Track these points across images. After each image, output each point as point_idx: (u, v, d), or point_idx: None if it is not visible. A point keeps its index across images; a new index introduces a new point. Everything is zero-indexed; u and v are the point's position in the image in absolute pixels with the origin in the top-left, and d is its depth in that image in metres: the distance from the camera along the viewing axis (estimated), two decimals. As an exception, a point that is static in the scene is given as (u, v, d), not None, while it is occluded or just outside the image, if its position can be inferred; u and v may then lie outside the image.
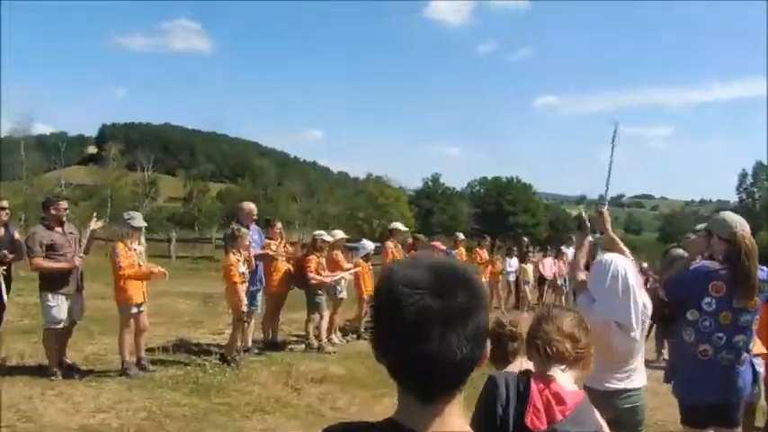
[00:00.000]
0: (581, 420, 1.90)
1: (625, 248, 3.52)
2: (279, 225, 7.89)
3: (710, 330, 3.28)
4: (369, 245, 8.70)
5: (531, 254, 13.12)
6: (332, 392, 5.76)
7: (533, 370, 2.11)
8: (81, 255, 5.85)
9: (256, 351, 7.20)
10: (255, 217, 7.45)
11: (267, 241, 7.55)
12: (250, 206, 7.43)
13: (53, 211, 5.80)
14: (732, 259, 3.28)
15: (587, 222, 3.78)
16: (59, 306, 5.70)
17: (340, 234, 8.29)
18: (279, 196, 49.65)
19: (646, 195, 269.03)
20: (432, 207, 51.54)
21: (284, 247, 7.72)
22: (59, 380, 5.62)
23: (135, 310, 6.00)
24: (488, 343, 0.99)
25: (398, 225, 9.70)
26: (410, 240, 10.40)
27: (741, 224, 3.35)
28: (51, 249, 5.66)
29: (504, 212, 57.31)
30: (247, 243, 6.62)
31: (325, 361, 7.02)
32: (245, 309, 6.55)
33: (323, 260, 7.72)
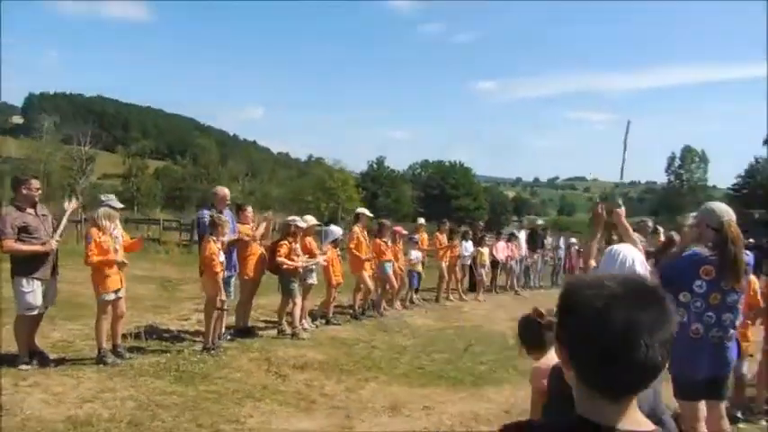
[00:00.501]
0: None
1: (636, 240, 3.76)
2: (250, 209, 7.81)
3: (701, 310, 3.58)
4: (337, 230, 8.73)
5: (486, 238, 13.44)
6: (316, 378, 5.80)
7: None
8: (57, 238, 5.63)
9: (228, 337, 7.15)
10: (229, 202, 7.35)
11: (240, 226, 7.46)
12: (224, 191, 7.32)
13: (24, 191, 5.52)
14: (720, 245, 3.57)
15: (602, 214, 4.01)
16: (35, 291, 5.47)
17: (312, 220, 8.26)
18: (221, 177, 48.52)
19: (578, 177, 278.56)
20: (376, 190, 51.64)
21: (257, 229, 7.62)
22: (32, 369, 5.44)
23: (113, 296, 5.84)
24: None
25: (364, 210, 9.74)
26: (396, 226, 10.57)
27: (728, 213, 3.64)
28: (24, 232, 5.39)
29: (446, 196, 58.17)
30: (228, 230, 6.54)
31: (301, 347, 7.04)
32: (223, 298, 6.49)
33: (296, 246, 7.71)
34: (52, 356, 5.80)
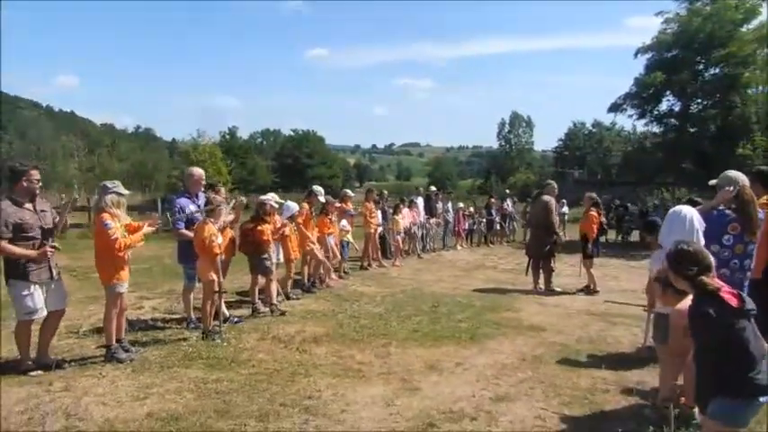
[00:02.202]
0: None
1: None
2: (223, 190, 7.59)
3: (728, 258, 4.49)
4: (293, 206, 8.74)
5: (401, 206, 14.02)
6: (338, 350, 5.98)
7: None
8: (53, 243, 5.12)
9: (236, 320, 7.07)
10: (204, 182, 7.11)
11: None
12: (200, 172, 7.07)
13: (25, 183, 4.98)
14: (739, 206, 4.46)
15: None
16: (32, 294, 5.00)
17: (276, 197, 8.22)
18: (55, 153, 43.82)
19: (413, 143, 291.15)
20: (230, 161, 49.93)
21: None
22: (43, 374, 5.04)
23: (124, 288, 5.53)
24: None
25: (318, 189, 9.80)
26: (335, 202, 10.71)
27: (743, 180, 4.53)
28: (20, 230, 4.89)
29: (301, 165, 57.99)
30: (222, 214, 6.38)
31: (290, 323, 7.12)
32: (221, 280, 6.37)
33: (269, 226, 7.67)
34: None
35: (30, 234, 5.00)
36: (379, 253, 13.01)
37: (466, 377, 5.26)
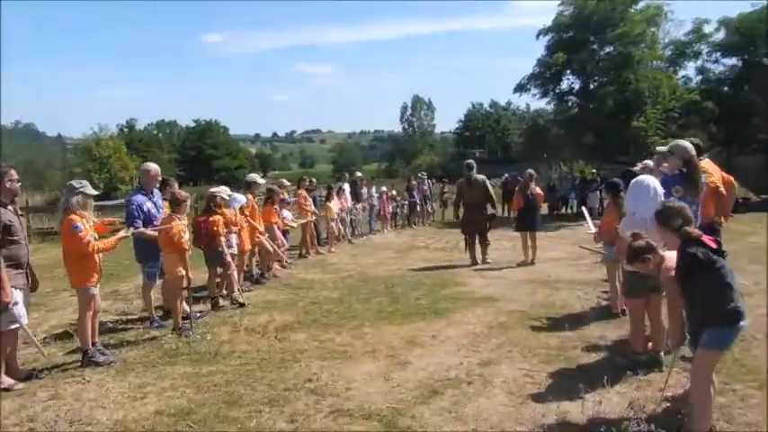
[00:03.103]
0: None
1: None
2: (176, 185, 7.43)
3: None
4: (241, 198, 8.68)
5: (333, 193, 14.14)
6: (315, 335, 6.14)
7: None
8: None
9: (198, 316, 6.94)
10: (160, 179, 6.96)
11: (165, 203, 7.10)
12: (156, 168, 6.91)
13: (7, 184, 4.78)
14: (687, 171, 5.03)
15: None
16: (18, 303, 4.82)
17: (227, 190, 8.14)
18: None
19: (315, 130, 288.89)
20: (131, 154, 47.47)
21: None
22: (23, 385, 4.86)
23: (96, 290, 5.38)
24: None
25: (256, 177, 9.74)
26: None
27: (692, 149, 5.10)
28: (7, 233, 4.71)
29: (206, 156, 56.17)
30: (187, 208, 6.31)
31: (256, 314, 7.16)
32: (190, 276, 6.32)
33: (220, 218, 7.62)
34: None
35: (15, 236, 4.82)
36: (316, 240, 13.12)
37: (446, 348, 5.60)
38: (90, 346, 5.37)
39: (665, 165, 5.32)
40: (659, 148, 5.59)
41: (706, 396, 3.44)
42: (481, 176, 10.82)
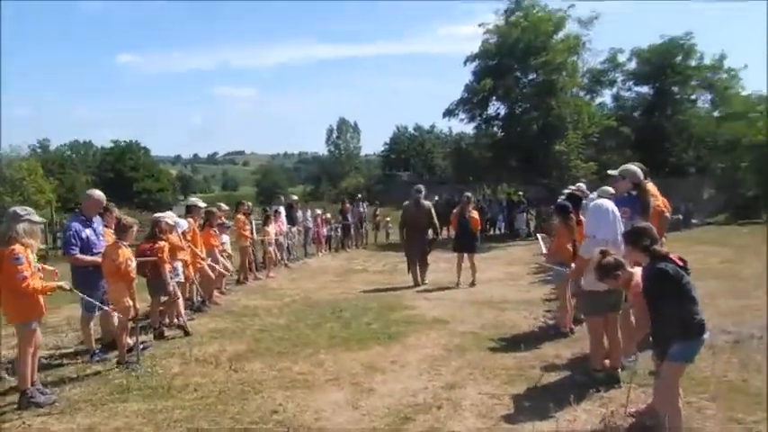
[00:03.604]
0: None
1: None
2: (116, 211, 7.07)
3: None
4: (184, 223, 8.40)
5: (272, 217, 13.89)
6: (273, 365, 5.96)
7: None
8: None
9: (142, 347, 6.53)
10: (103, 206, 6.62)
11: (106, 230, 6.76)
12: (100, 195, 6.55)
13: None
14: (638, 194, 5.30)
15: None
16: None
17: (175, 216, 7.84)
18: None
19: (238, 152, 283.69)
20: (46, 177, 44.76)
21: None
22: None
23: (36, 324, 5.01)
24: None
25: (198, 201, 9.43)
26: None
27: (641, 173, 5.38)
28: None
29: (126, 179, 53.83)
30: (133, 235, 6.02)
31: (203, 343, 6.89)
32: (137, 306, 6.02)
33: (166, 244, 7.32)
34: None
35: None
36: (254, 265, 12.84)
37: (408, 372, 5.59)
38: (29, 386, 4.98)
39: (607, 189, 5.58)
40: (610, 172, 5.87)
41: (674, 408, 3.61)
42: (427, 202, 11.18)
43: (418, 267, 11.14)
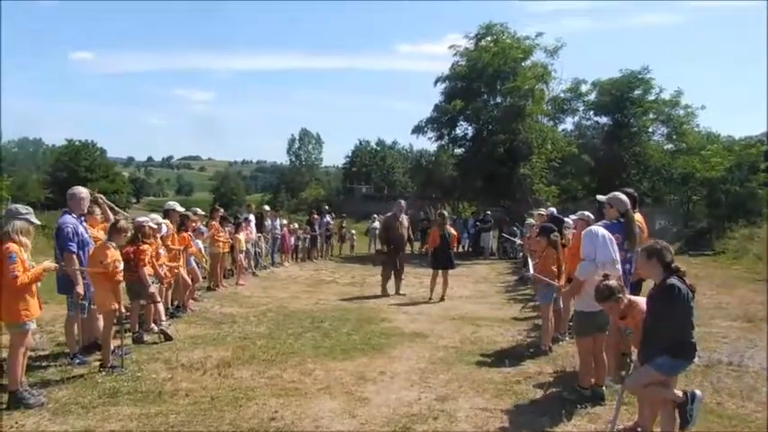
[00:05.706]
0: None
1: None
2: (98, 211, 6.95)
3: None
4: (163, 227, 8.31)
5: (243, 225, 13.78)
6: (262, 372, 5.96)
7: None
8: None
9: (124, 352, 6.40)
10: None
11: (91, 230, 6.63)
12: (87, 192, 6.45)
13: None
14: (624, 222, 5.54)
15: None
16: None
17: (158, 218, 7.74)
18: None
19: (193, 157, 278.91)
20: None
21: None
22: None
23: (32, 325, 4.91)
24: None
25: (175, 205, 9.32)
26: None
27: (628, 203, 5.63)
28: None
29: (79, 179, 52.06)
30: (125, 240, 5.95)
31: (186, 349, 6.83)
32: (123, 309, 5.94)
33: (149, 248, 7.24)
34: None
35: None
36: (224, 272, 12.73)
37: (399, 383, 5.68)
38: (19, 387, 4.87)
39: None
40: (599, 197, 6.10)
41: (666, 402, 3.87)
42: (407, 218, 11.49)
43: (394, 279, 11.44)
